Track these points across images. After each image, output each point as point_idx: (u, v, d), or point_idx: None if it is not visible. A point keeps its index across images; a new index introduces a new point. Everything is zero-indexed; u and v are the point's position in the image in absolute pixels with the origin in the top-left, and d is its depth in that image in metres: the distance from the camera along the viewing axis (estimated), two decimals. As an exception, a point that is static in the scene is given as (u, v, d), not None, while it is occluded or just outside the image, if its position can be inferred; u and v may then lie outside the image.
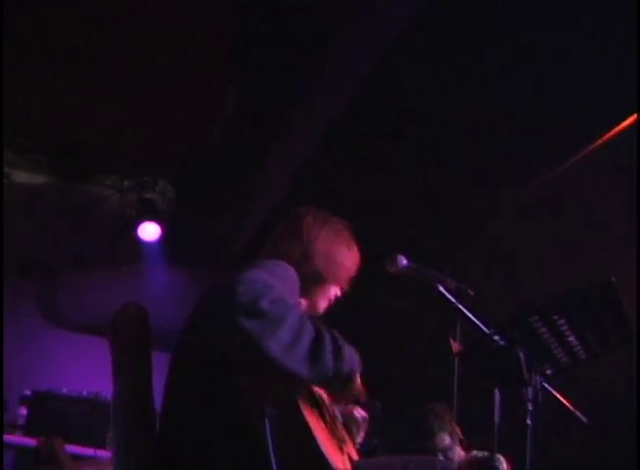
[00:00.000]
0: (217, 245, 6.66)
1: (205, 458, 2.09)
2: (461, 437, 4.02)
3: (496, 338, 2.38)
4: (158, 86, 5.63)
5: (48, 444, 4.20)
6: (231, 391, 2.07)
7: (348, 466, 2.23)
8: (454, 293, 2.67)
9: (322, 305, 2.60)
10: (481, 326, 2.58)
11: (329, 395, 2.35)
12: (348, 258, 2.60)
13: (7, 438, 5.02)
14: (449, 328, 2.78)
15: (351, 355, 2.14)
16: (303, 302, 2.53)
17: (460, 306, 2.63)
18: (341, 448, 2.26)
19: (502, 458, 3.45)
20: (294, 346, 1.95)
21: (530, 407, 2.24)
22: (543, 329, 2.32)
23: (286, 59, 4.92)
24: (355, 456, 2.46)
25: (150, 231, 6.56)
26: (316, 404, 2.19)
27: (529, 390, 2.27)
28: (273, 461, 1.92)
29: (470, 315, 2.62)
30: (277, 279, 2.13)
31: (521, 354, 2.26)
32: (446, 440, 4.05)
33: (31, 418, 5.13)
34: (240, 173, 6.38)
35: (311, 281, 2.49)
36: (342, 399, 2.32)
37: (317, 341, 2.02)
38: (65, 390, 5.28)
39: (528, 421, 2.22)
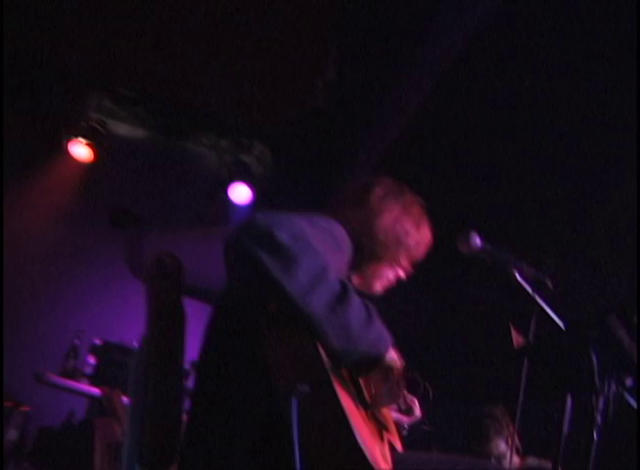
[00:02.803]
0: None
1: (225, 428, 1.87)
2: (518, 444, 3.72)
3: (570, 336, 2.08)
4: (262, 49, 5.49)
5: (108, 395, 4.13)
6: (255, 352, 1.83)
7: (388, 456, 1.98)
8: (531, 281, 2.44)
9: (377, 284, 2.35)
10: (557, 321, 2.33)
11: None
12: (414, 239, 2.33)
13: (73, 384, 5.00)
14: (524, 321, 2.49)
15: (381, 333, 1.86)
16: (356, 278, 2.31)
17: (536, 297, 2.39)
18: (380, 435, 1.99)
19: None
20: (310, 290, 1.70)
21: (599, 419, 1.92)
22: (622, 332, 1.98)
23: (389, 23, 4.67)
24: (399, 445, 2.20)
25: (241, 193, 6.46)
26: (354, 383, 1.92)
27: (601, 399, 1.95)
28: (296, 446, 1.66)
29: (545, 308, 2.37)
30: (316, 230, 1.87)
31: (594, 357, 1.96)
32: (502, 446, 3.79)
33: (98, 368, 5.08)
34: (338, 143, 6.15)
35: (368, 256, 2.26)
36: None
37: (340, 299, 1.74)
38: (135, 344, 5.21)
39: (595, 435, 1.91)
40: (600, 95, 3.79)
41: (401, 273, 2.39)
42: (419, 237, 2.34)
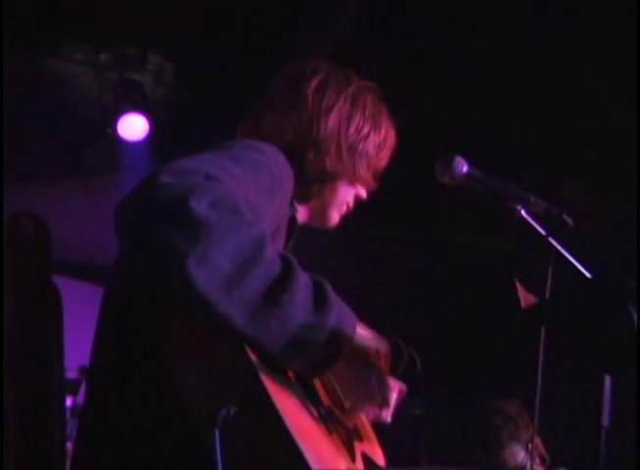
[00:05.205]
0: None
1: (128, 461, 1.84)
2: (543, 451, 3.77)
3: (601, 290, 2.07)
4: None
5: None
6: (159, 362, 1.76)
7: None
8: (543, 219, 2.49)
9: (333, 213, 2.40)
10: (581, 270, 2.35)
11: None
12: (375, 142, 2.34)
13: None
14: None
15: (341, 316, 1.82)
16: (302, 210, 2.32)
17: (550, 240, 2.43)
18: (350, 448, 1.99)
19: None
20: (237, 279, 1.63)
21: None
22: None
23: None
24: (380, 457, 2.24)
25: (133, 127, 6.43)
26: (303, 383, 1.91)
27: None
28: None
29: (564, 253, 2.41)
30: (243, 170, 1.83)
31: (635, 317, 1.93)
32: (520, 454, 3.84)
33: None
34: (268, 44, 6.09)
35: (314, 177, 2.26)
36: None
37: (281, 282, 1.69)
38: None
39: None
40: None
41: (361, 192, 2.42)
42: (380, 137, 2.35)
